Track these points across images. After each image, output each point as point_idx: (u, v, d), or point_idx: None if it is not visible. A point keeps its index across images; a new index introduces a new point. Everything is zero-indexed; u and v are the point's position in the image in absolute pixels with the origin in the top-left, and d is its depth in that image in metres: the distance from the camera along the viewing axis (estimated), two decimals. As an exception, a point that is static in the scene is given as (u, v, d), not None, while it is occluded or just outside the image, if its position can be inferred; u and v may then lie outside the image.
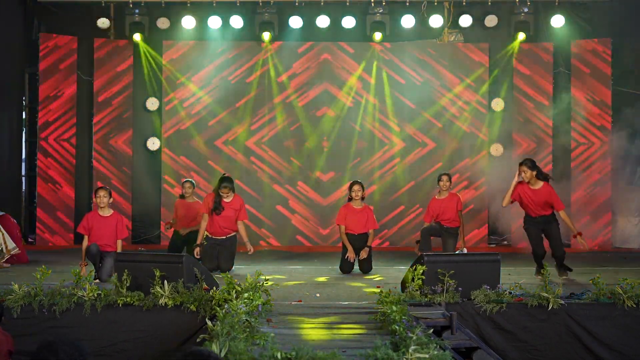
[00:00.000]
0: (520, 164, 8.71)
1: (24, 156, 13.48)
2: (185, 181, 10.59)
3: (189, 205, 10.33)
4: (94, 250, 8.38)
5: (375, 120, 13.21)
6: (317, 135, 13.22)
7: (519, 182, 8.76)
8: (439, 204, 10.06)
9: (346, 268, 9.34)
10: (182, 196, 10.52)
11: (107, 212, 8.69)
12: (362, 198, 9.60)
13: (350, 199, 9.62)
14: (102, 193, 8.64)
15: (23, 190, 13.48)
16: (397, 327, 5.09)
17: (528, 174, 8.62)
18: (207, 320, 5.49)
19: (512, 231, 12.95)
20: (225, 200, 9.30)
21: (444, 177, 10.08)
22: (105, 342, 6.47)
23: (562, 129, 13.08)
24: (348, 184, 9.97)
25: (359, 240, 9.39)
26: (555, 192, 8.78)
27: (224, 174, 9.78)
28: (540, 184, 8.66)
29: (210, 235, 9.32)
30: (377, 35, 12.94)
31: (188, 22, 12.90)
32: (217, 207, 9.23)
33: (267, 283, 6.51)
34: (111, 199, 8.78)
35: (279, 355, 4.35)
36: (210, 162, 13.10)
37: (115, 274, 6.73)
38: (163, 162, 13.12)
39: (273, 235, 13.12)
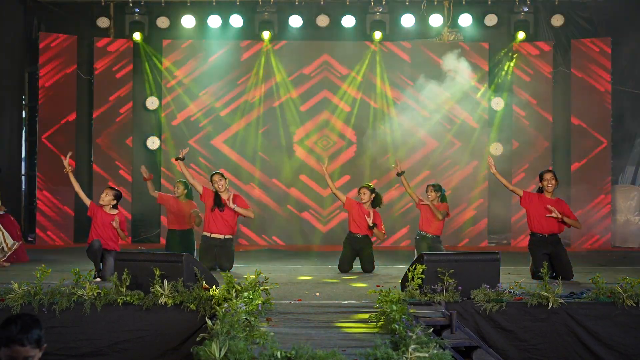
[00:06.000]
0: (547, 172, 8.61)
1: (23, 155, 13.49)
2: (179, 181, 10.42)
3: (181, 206, 10.18)
4: (96, 246, 8.36)
5: (375, 119, 13.20)
6: (317, 133, 13.22)
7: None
8: (424, 211, 9.85)
9: (345, 267, 9.32)
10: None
11: (112, 211, 8.67)
12: (371, 202, 9.40)
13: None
14: (104, 192, 8.63)
15: (23, 190, 13.48)
16: (396, 326, 5.08)
17: (554, 182, 8.53)
18: (207, 319, 5.50)
19: (512, 230, 12.96)
20: (222, 195, 9.23)
21: (430, 188, 9.82)
22: (105, 341, 6.47)
23: (562, 128, 13.08)
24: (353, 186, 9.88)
25: (360, 242, 9.35)
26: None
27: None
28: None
29: (208, 234, 9.28)
30: (377, 35, 12.95)
31: (188, 21, 12.93)
32: (218, 203, 9.20)
33: (266, 282, 6.50)
34: (114, 201, 8.71)
35: (278, 354, 4.34)
36: (210, 161, 13.09)
37: (115, 272, 6.74)
38: (163, 161, 13.11)
39: (272, 233, 13.12)
